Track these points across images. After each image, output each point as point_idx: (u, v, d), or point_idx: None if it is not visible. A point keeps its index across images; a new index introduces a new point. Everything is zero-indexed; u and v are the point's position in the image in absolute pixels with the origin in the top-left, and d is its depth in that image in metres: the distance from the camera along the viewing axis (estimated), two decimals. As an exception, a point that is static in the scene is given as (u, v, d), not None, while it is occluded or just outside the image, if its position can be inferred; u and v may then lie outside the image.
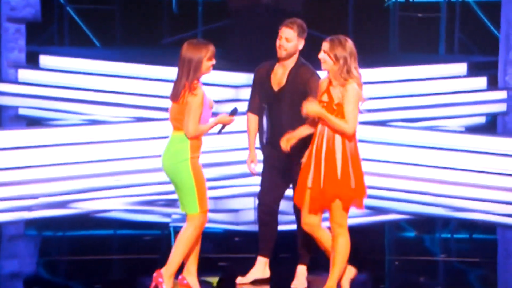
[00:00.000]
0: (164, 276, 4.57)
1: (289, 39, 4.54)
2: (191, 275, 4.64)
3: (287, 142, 4.45)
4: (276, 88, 4.60)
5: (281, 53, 4.57)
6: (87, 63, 10.22)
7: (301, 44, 4.57)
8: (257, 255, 4.79)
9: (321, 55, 4.43)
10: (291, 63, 4.58)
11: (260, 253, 4.78)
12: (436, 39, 11.87)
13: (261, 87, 4.64)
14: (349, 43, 4.42)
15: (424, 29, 11.96)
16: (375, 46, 12.18)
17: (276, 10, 10.67)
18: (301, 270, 4.76)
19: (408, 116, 9.07)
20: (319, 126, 4.46)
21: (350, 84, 4.39)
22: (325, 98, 4.44)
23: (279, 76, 4.61)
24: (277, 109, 4.57)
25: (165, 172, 4.64)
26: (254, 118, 4.73)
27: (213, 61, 4.51)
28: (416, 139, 7.69)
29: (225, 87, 9.34)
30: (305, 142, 4.49)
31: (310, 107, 4.36)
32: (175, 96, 4.58)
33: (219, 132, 4.60)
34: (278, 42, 4.58)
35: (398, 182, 7.44)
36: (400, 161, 7.77)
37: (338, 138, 4.40)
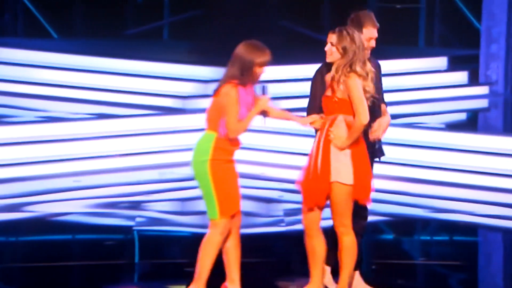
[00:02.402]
0: None
1: (376, 37, 4.75)
2: (233, 283, 4.64)
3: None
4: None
5: (369, 54, 4.71)
6: (43, 56, 10.10)
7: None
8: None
9: (328, 47, 4.49)
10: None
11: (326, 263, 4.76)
12: (415, 31, 11.95)
13: (323, 92, 4.69)
14: (357, 35, 4.51)
15: (403, 21, 12.03)
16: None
17: (249, 1, 10.66)
18: (356, 275, 4.77)
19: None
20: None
21: (351, 79, 4.48)
22: (329, 92, 4.54)
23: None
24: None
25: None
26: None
27: (263, 70, 4.57)
28: (394, 136, 7.73)
29: (194, 81, 9.30)
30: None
31: (341, 143, 4.48)
32: (214, 92, 4.66)
33: (265, 120, 4.62)
34: (369, 44, 4.71)
35: (375, 182, 7.47)
36: (377, 159, 7.80)
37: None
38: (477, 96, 10.56)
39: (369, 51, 4.71)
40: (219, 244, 4.59)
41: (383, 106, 4.81)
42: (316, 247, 4.55)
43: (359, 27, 4.68)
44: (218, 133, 4.55)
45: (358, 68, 4.48)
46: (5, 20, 11.75)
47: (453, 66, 10.81)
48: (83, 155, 7.83)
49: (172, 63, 9.59)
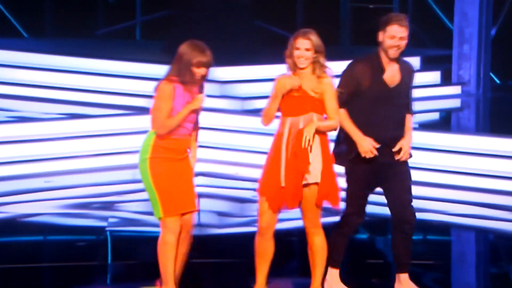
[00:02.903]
0: None
1: (404, 38, 4.69)
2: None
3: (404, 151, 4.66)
4: (392, 85, 4.68)
5: (396, 53, 4.66)
6: (13, 55, 10.03)
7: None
8: (329, 266, 4.76)
9: (302, 53, 4.49)
10: (397, 59, 4.71)
11: (333, 265, 4.78)
12: (388, 32, 12.01)
13: (367, 85, 4.65)
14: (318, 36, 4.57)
15: (376, 21, 12.09)
16: (326, 39, 12.27)
17: (221, 1, 10.66)
18: (405, 278, 4.76)
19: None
20: (288, 120, 4.52)
21: (327, 79, 4.53)
22: (295, 93, 4.53)
23: (392, 73, 4.69)
24: (392, 108, 4.67)
25: None
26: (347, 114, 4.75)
27: (201, 70, 4.52)
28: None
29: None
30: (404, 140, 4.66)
31: (309, 131, 4.47)
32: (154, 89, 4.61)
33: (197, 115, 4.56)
34: (392, 42, 4.65)
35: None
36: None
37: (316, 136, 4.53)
38: (449, 96, 10.66)
39: (395, 50, 4.64)
40: (171, 243, 4.51)
41: (408, 118, 4.75)
42: (268, 249, 4.58)
43: (384, 25, 4.72)
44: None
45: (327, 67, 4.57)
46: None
47: (425, 66, 10.91)
48: (54, 155, 7.79)
49: (144, 63, 9.57)
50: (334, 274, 4.76)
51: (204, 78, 4.55)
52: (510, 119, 9.53)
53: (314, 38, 4.53)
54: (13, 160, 7.67)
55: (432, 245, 6.24)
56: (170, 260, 4.52)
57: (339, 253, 4.75)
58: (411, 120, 4.76)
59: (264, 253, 4.58)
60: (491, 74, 11.33)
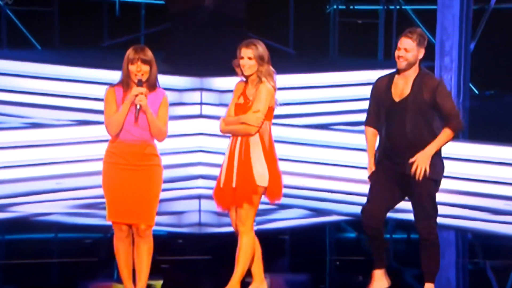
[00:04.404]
0: None
1: (409, 49, 4.42)
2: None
3: (421, 166, 4.38)
4: (397, 99, 4.45)
5: (401, 64, 4.43)
6: (26, 66, 10.06)
7: (421, 54, 4.45)
8: (373, 269, 4.65)
9: (246, 61, 4.40)
10: (413, 73, 4.44)
11: (377, 266, 4.64)
12: (375, 45, 12.11)
13: (380, 99, 4.49)
14: (264, 45, 4.49)
15: (363, 35, 12.18)
16: (316, 51, 12.36)
17: (217, 14, 10.71)
18: (428, 286, 4.62)
19: (349, 120, 9.22)
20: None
21: (264, 84, 4.43)
22: (240, 100, 4.48)
23: (401, 86, 4.47)
24: (399, 121, 4.42)
25: None
26: (372, 131, 4.56)
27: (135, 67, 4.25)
28: (357, 142, 7.82)
29: (169, 90, 9.32)
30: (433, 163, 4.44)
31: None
32: None
33: (138, 112, 4.29)
34: (397, 53, 4.45)
35: (339, 184, 7.55)
36: (341, 163, 7.89)
37: (253, 137, 4.43)
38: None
39: (400, 61, 4.39)
40: (116, 247, 4.34)
41: (443, 132, 4.44)
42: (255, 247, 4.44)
43: (398, 39, 4.52)
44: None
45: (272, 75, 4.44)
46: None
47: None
48: (64, 159, 7.81)
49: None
50: (376, 274, 4.61)
51: (145, 76, 4.27)
52: (488, 127, 9.59)
53: (256, 47, 4.40)
54: (26, 163, 7.69)
55: (415, 244, 6.29)
56: (121, 262, 4.34)
57: (376, 255, 4.58)
58: (445, 134, 4.42)
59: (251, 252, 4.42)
60: (470, 84, 11.41)
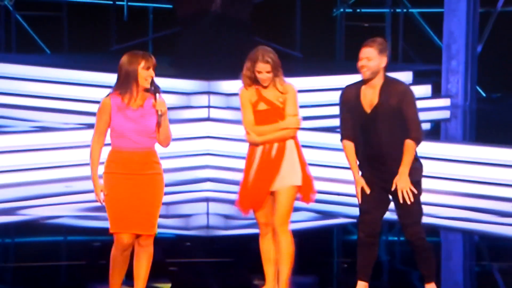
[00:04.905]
0: None
1: (370, 58, 4.39)
2: None
3: (402, 184, 4.32)
4: (368, 109, 4.41)
5: (364, 74, 4.39)
6: (36, 70, 10.11)
7: (383, 62, 4.41)
8: (356, 280, 4.52)
9: (264, 75, 4.42)
10: (378, 81, 4.41)
11: (361, 277, 4.51)
12: (381, 48, 12.09)
13: (351, 111, 4.43)
14: (273, 51, 4.52)
15: (370, 39, 12.17)
16: (322, 55, 12.36)
17: (224, 18, 10.74)
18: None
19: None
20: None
21: (289, 86, 4.49)
22: (262, 106, 4.49)
23: (369, 96, 4.43)
24: (373, 130, 4.39)
25: None
26: (350, 145, 4.48)
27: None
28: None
29: (177, 94, 9.36)
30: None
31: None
32: None
33: (160, 118, 4.24)
34: (359, 64, 4.41)
35: (346, 187, 7.56)
36: (348, 166, 7.88)
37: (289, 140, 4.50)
38: (439, 108, 10.72)
39: (363, 71, 4.36)
40: (117, 258, 4.21)
41: (407, 145, 4.35)
42: (271, 249, 4.47)
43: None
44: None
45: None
46: (0, 36, 11.74)
47: (417, 80, 10.98)
48: (73, 162, 7.83)
49: (155, 77, 9.63)
50: (360, 286, 4.53)
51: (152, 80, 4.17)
52: (495, 129, 9.57)
53: (273, 61, 4.43)
54: (35, 166, 7.72)
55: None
56: (116, 272, 4.22)
57: (362, 265, 4.48)
58: (410, 148, 4.33)
59: (268, 254, 4.50)
60: (477, 87, 11.39)
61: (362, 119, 4.44)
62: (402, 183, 4.37)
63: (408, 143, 4.38)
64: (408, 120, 4.39)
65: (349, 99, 4.47)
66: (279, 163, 4.43)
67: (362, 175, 4.52)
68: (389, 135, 4.40)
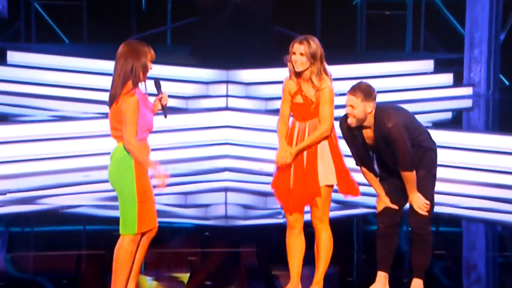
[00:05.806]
0: None
1: (354, 106, 4.43)
2: None
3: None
4: (370, 142, 4.54)
5: (352, 122, 4.45)
6: (55, 59, 10.14)
7: (369, 107, 4.44)
8: (376, 270, 4.59)
9: (298, 57, 4.38)
10: (369, 122, 4.49)
11: (381, 268, 4.57)
12: (402, 37, 12.00)
13: (355, 143, 4.53)
14: (318, 42, 4.45)
15: (391, 27, 12.08)
16: (343, 43, 12.28)
17: (244, 7, 10.70)
18: (417, 284, 4.58)
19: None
20: (297, 124, 4.46)
21: (326, 84, 4.43)
22: (299, 99, 4.45)
23: (368, 134, 4.53)
24: (379, 157, 4.54)
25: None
26: (365, 169, 4.60)
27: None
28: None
29: (195, 83, 9.35)
30: (420, 158, 4.50)
31: (283, 159, 4.37)
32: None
33: (165, 116, 4.29)
34: (346, 110, 4.47)
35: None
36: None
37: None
38: (461, 97, 10.62)
39: (350, 118, 4.43)
40: (128, 259, 4.07)
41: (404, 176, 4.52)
42: (298, 244, 4.45)
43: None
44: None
45: (329, 72, 4.44)
46: (19, 26, 11.79)
47: (439, 69, 10.87)
48: (92, 152, 7.85)
49: (174, 66, 9.64)
50: (381, 276, 4.56)
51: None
52: (518, 118, 9.47)
53: (309, 44, 4.36)
54: (54, 156, 7.76)
55: (444, 236, 6.23)
56: (124, 271, 4.05)
57: (382, 256, 4.54)
58: (407, 177, 4.46)
59: (294, 249, 4.45)
60: (500, 76, 11.26)
61: (367, 148, 4.54)
62: (416, 204, 4.52)
63: (403, 174, 4.50)
64: (397, 156, 4.47)
65: (352, 133, 4.52)
66: (315, 169, 4.41)
67: (380, 178, 4.59)
68: (395, 162, 4.49)
